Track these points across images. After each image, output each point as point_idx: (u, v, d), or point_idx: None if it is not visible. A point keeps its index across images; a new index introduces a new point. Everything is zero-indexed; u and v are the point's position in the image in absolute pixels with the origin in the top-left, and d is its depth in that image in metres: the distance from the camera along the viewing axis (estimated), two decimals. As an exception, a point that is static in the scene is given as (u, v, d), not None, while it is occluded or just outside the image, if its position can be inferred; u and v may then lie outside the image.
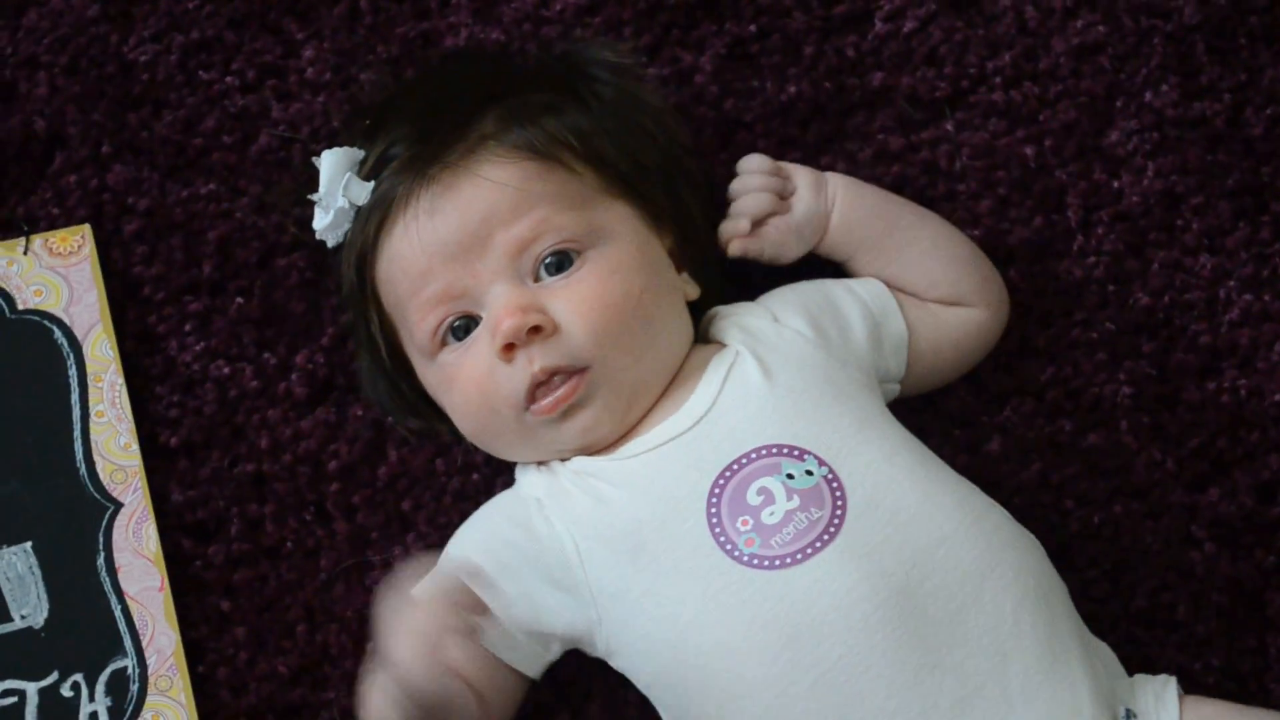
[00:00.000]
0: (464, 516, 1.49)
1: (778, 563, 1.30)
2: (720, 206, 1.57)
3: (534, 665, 1.41)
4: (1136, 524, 1.55)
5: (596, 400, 1.38)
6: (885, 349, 1.48)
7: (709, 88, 1.66)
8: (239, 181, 1.63)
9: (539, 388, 1.37)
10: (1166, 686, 1.36)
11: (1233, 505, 1.56)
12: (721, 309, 1.48)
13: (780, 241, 1.53)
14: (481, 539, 1.42)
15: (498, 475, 1.53)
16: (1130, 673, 1.40)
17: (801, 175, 1.55)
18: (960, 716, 1.28)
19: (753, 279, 1.54)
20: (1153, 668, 1.43)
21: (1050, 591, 1.35)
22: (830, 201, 1.53)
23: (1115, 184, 1.64)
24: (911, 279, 1.52)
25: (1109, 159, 1.65)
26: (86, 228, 1.60)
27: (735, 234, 1.51)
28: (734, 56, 1.66)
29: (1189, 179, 1.65)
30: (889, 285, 1.52)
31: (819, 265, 1.57)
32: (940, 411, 1.57)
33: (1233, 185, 1.65)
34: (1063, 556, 1.43)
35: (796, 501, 1.32)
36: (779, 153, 1.61)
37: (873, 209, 1.54)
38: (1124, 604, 1.53)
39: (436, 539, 1.51)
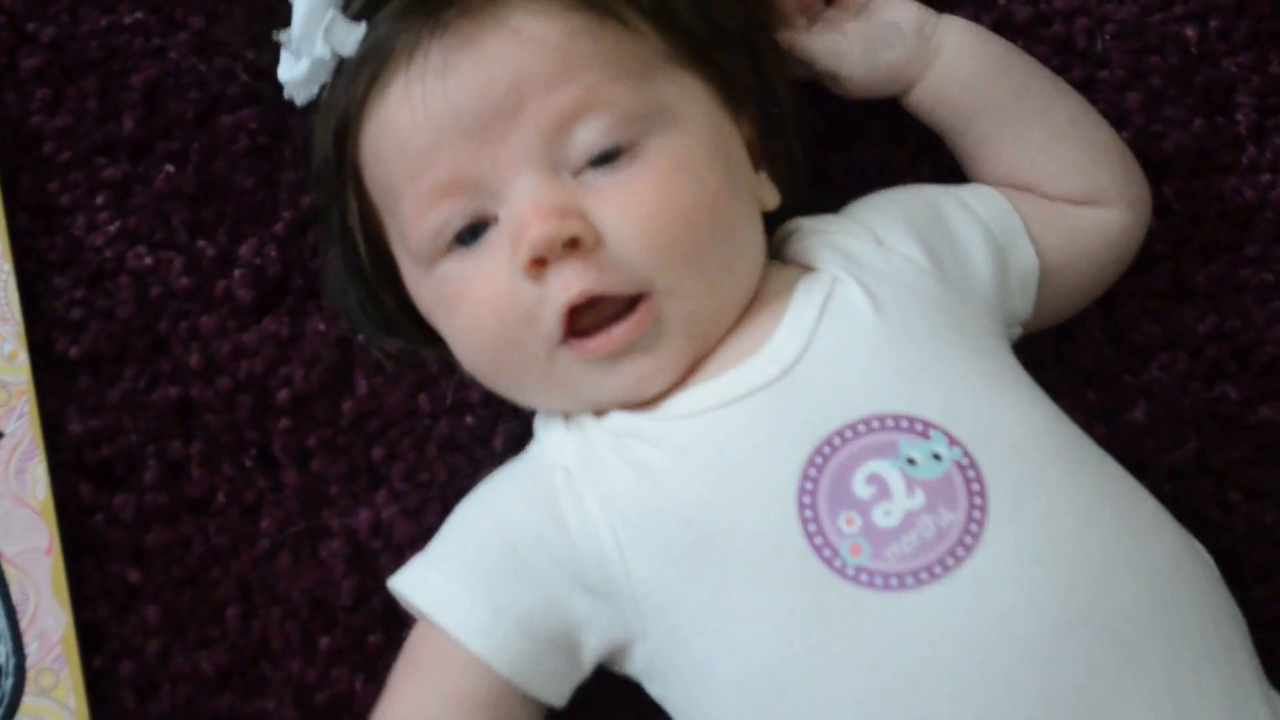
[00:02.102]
0: (451, 472, 1.31)
1: (895, 583, 1.06)
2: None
3: (561, 689, 1.18)
4: (1321, 528, 1.34)
5: (667, 340, 1.15)
6: (1011, 285, 1.23)
7: (787, -75, 1.40)
8: (175, 10, 1.40)
9: (576, 315, 1.13)
10: None
11: None
12: (804, 223, 1.24)
13: (836, 48, 1.29)
14: (492, 524, 1.18)
15: (499, 419, 1.32)
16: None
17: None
18: None
19: (835, 184, 1.32)
20: (1339, 725, 1.20)
21: (1232, 631, 1.12)
22: (936, 36, 1.30)
23: (1299, 82, 1.41)
24: (1039, 164, 1.27)
25: (1292, 49, 1.42)
26: (-30, 60, 1.37)
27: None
28: (822, -114, 1.41)
29: (1392, 78, 1.43)
30: (1008, 175, 1.28)
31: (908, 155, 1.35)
32: (1070, 366, 1.35)
33: None
34: (1223, 564, 1.19)
35: (920, 499, 1.07)
36: None
37: (998, 61, 1.30)
38: (1302, 633, 1.31)
39: (415, 499, 1.31)
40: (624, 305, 1.13)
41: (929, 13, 1.31)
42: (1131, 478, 1.15)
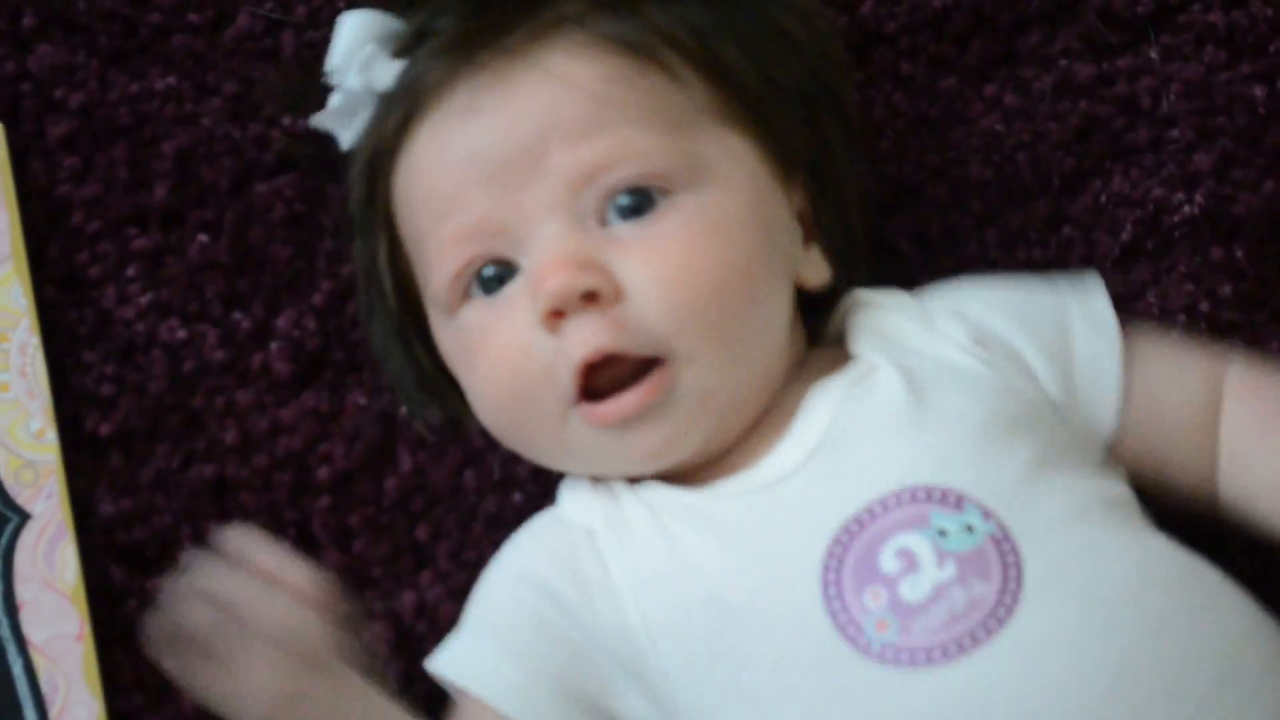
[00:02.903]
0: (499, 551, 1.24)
1: (923, 657, 1.01)
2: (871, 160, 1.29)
3: None
4: None
5: (677, 412, 1.09)
6: (1078, 399, 1.15)
7: (841, -15, 1.40)
8: (208, 76, 1.37)
9: (591, 373, 1.08)
10: None
11: None
12: (860, 296, 1.19)
13: None
14: (515, 587, 1.14)
15: (547, 495, 1.25)
16: None
17: None
18: None
19: (898, 251, 1.30)
20: None
21: None
22: None
23: (1373, 141, 1.38)
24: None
25: (1363, 107, 1.38)
26: (-1, 128, 1.35)
27: None
28: (875, -55, 1.42)
29: None
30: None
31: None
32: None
33: None
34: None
35: (951, 570, 1.02)
36: (929, 76, 1.35)
37: None
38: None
39: (462, 579, 1.26)
40: (639, 368, 1.09)
41: None
42: (1188, 549, 1.09)
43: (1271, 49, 1.34)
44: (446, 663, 1.13)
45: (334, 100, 1.18)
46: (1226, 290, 1.29)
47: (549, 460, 1.17)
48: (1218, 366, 1.16)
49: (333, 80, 1.18)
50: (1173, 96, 1.34)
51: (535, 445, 1.16)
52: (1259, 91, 1.33)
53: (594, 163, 1.09)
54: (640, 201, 1.09)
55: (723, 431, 1.11)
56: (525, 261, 1.10)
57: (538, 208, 1.09)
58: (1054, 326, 1.15)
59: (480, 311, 1.13)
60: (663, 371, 1.08)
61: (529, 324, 1.09)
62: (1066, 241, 1.31)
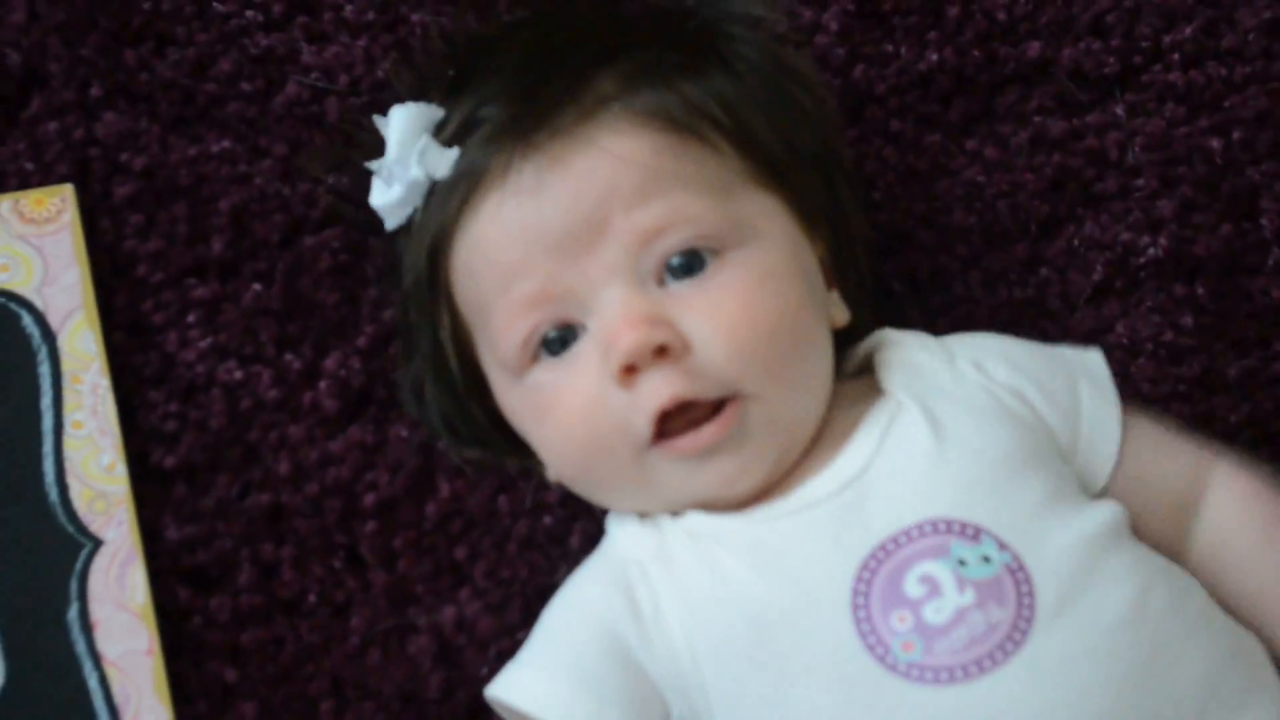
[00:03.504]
0: (531, 569, 1.29)
1: (946, 676, 1.02)
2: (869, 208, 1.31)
3: None
4: (1360, 611, 1.28)
5: (751, 441, 1.10)
6: (1079, 452, 1.15)
7: (834, 50, 1.38)
8: (259, 139, 1.38)
9: (668, 420, 1.09)
10: None
11: None
12: (888, 335, 1.20)
13: None
14: (578, 618, 1.14)
15: (574, 519, 1.29)
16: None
17: None
18: None
19: (891, 291, 1.32)
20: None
21: None
22: None
23: (1319, 189, 1.38)
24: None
25: (1310, 158, 1.39)
26: (68, 189, 1.33)
27: None
28: (864, 15, 1.39)
29: (1406, 185, 1.38)
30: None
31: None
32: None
33: None
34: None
35: (971, 596, 1.04)
36: (916, 132, 1.36)
37: None
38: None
39: (497, 596, 1.28)
40: (710, 409, 1.09)
41: None
42: (1182, 570, 1.11)
43: (1227, 105, 1.36)
44: (515, 691, 1.12)
45: (392, 193, 1.18)
46: (1189, 323, 1.30)
47: (617, 500, 1.17)
48: (1206, 457, 1.16)
49: (388, 175, 1.18)
50: (1137, 149, 1.35)
51: (607, 487, 1.16)
52: (1216, 143, 1.35)
53: (651, 226, 1.10)
54: (692, 262, 1.10)
55: (786, 458, 1.12)
56: (592, 323, 1.11)
57: (601, 271, 1.10)
58: (1065, 386, 1.16)
59: (549, 372, 1.13)
60: (735, 406, 1.09)
61: (599, 379, 1.10)
62: (1043, 281, 1.31)
